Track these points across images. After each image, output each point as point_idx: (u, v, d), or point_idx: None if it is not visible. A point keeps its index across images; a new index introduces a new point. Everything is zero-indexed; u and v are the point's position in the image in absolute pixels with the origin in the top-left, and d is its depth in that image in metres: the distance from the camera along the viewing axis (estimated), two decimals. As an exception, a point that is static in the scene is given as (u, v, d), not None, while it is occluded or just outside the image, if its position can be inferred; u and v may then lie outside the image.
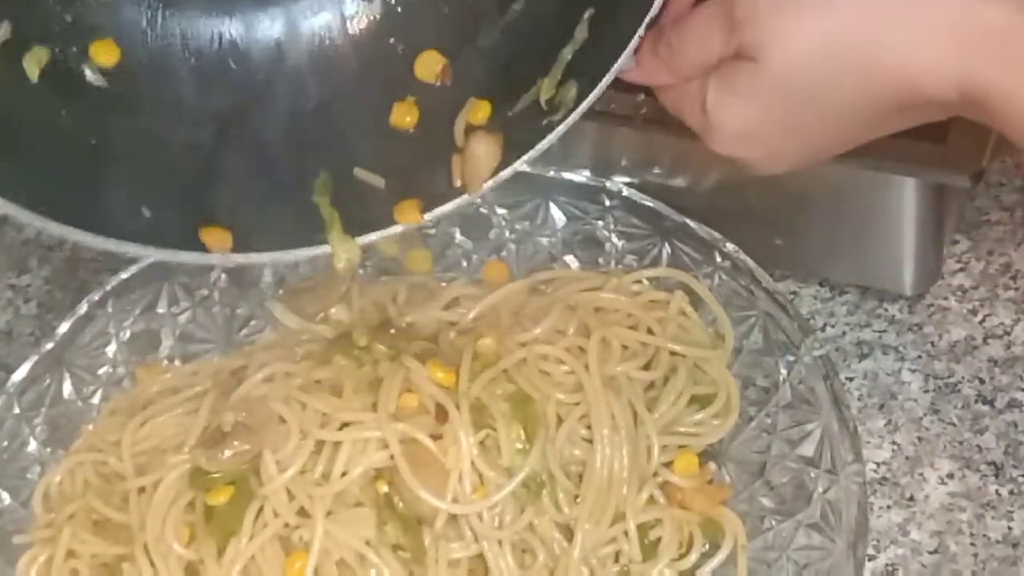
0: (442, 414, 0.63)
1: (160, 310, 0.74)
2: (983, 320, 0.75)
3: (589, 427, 0.64)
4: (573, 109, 0.59)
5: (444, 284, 0.74)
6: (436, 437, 0.63)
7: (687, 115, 0.59)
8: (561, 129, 0.60)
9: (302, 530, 0.62)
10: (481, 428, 0.63)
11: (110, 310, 0.73)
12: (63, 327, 0.72)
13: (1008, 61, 0.51)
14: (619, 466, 0.63)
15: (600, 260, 0.74)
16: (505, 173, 0.61)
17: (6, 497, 0.69)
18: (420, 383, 0.64)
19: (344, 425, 0.63)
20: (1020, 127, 0.52)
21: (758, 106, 0.56)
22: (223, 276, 0.76)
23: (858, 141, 0.58)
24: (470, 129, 0.62)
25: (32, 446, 0.70)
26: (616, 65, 0.58)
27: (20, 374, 0.70)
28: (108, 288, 0.73)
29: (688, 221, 0.71)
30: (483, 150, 0.61)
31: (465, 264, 0.77)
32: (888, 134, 0.58)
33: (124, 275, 0.73)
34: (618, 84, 0.64)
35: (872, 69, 0.53)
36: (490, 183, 0.61)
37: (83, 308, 0.72)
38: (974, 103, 0.52)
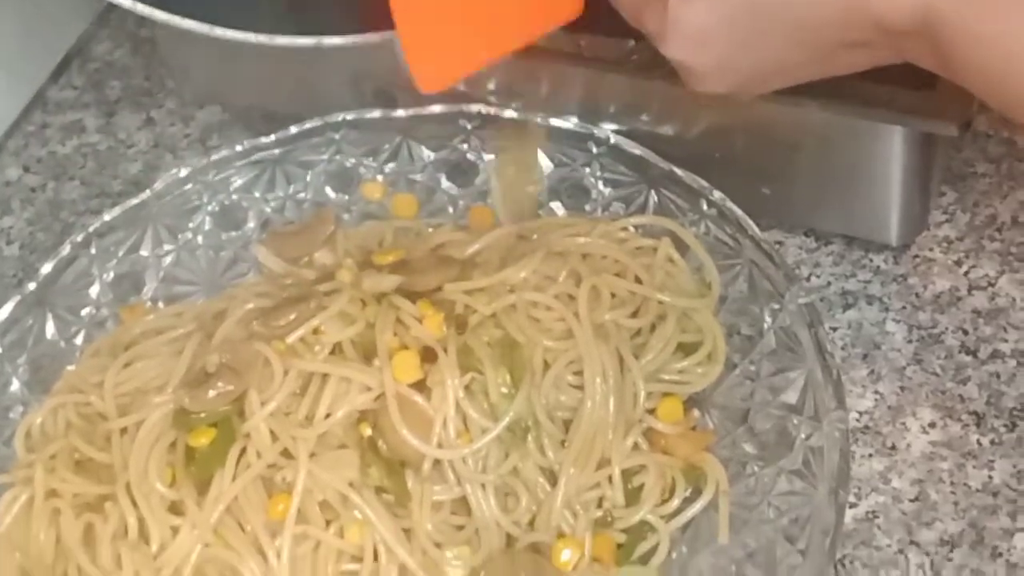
0: (429, 354, 0.63)
1: (144, 252, 0.74)
2: (968, 271, 0.75)
3: (575, 373, 0.64)
4: None
5: (431, 229, 0.74)
6: (419, 381, 0.63)
7: (643, 10, 0.59)
8: None
9: (285, 471, 0.62)
10: (467, 371, 0.63)
11: (93, 251, 0.73)
12: (46, 268, 0.71)
13: None
14: (606, 412, 0.63)
15: (587, 207, 0.74)
16: None
17: (-12, 437, 0.68)
18: (410, 323, 0.64)
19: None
20: (968, 61, 0.53)
21: (720, 10, 0.57)
22: (207, 219, 0.75)
23: (805, 76, 0.59)
24: None
25: (15, 386, 0.70)
26: None
27: (2, 315, 0.70)
28: (91, 229, 0.73)
29: (675, 169, 0.71)
30: None
31: (451, 210, 0.76)
32: (838, 75, 0.59)
33: (107, 216, 0.73)
34: (607, 30, 0.63)
35: None
36: None
37: (66, 249, 0.72)
38: (927, 34, 0.53)
